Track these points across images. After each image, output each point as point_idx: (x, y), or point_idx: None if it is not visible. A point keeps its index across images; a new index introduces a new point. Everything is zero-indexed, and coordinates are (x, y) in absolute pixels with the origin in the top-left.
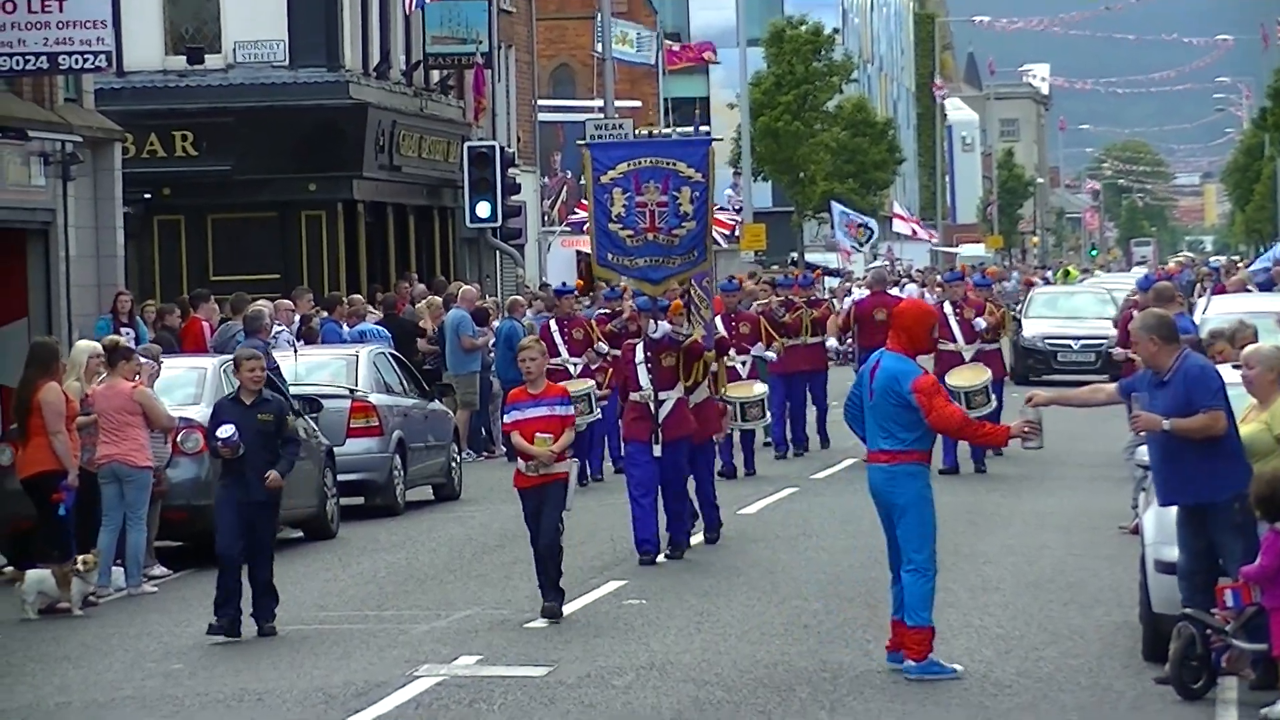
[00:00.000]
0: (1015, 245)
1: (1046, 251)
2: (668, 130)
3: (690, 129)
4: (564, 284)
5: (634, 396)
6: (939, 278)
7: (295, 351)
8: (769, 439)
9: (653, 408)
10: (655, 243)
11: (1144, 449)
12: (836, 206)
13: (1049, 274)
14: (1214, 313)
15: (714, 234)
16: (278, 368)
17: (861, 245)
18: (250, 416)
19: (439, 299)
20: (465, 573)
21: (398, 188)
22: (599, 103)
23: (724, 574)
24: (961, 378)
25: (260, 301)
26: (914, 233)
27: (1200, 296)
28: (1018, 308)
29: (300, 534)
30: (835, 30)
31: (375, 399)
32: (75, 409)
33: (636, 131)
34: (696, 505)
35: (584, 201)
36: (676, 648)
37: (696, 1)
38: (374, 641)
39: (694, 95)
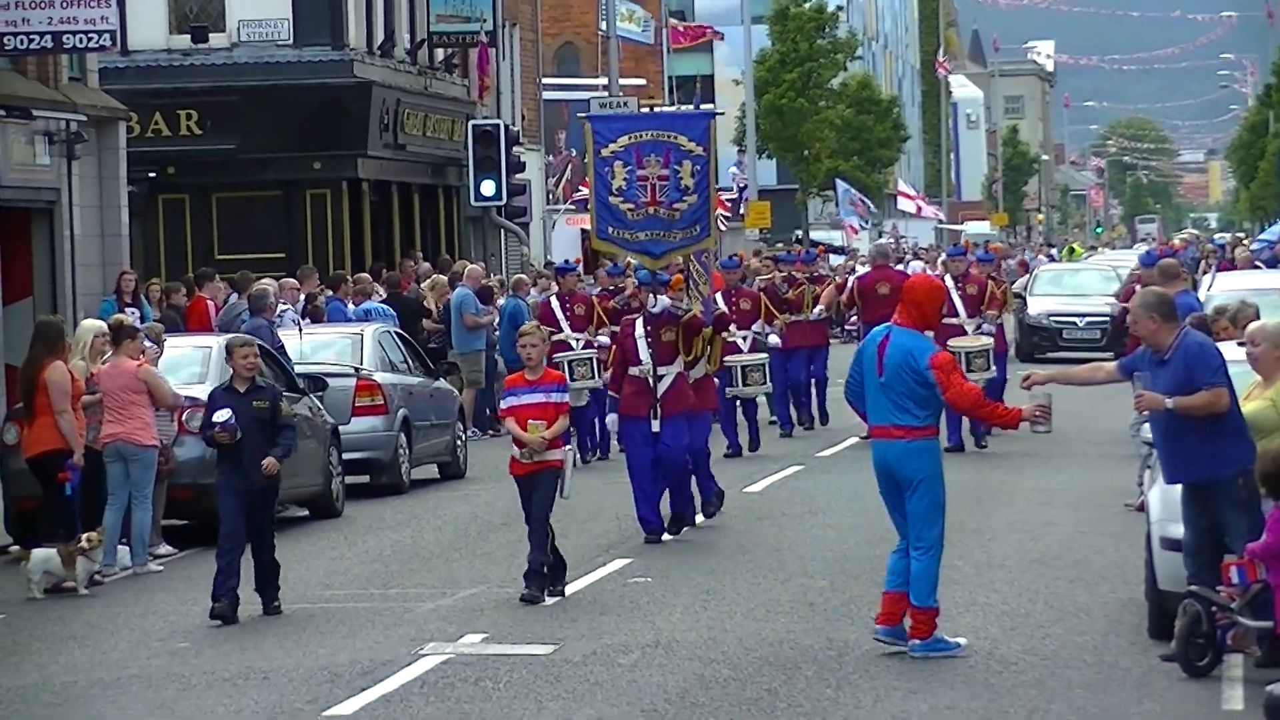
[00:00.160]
0: (1020, 222)
1: (1051, 229)
2: (670, 107)
3: (691, 106)
4: (566, 261)
5: (633, 371)
6: (942, 255)
7: (300, 330)
8: (774, 418)
9: (652, 382)
10: (656, 216)
11: (1149, 426)
12: (841, 184)
13: (1054, 251)
14: (1219, 290)
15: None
16: (283, 347)
17: (867, 223)
18: (245, 404)
19: (444, 278)
20: (470, 551)
21: (402, 166)
22: (603, 81)
23: (730, 552)
24: (962, 341)
25: (265, 280)
26: (919, 210)
27: (1205, 274)
28: (1014, 285)
29: (305, 512)
30: (839, 7)
31: (380, 377)
32: (80, 388)
33: (640, 107)
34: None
35: (587, 179)
36: (682, 626)
37: None
38: (379, 620)
39: (698, 73)
